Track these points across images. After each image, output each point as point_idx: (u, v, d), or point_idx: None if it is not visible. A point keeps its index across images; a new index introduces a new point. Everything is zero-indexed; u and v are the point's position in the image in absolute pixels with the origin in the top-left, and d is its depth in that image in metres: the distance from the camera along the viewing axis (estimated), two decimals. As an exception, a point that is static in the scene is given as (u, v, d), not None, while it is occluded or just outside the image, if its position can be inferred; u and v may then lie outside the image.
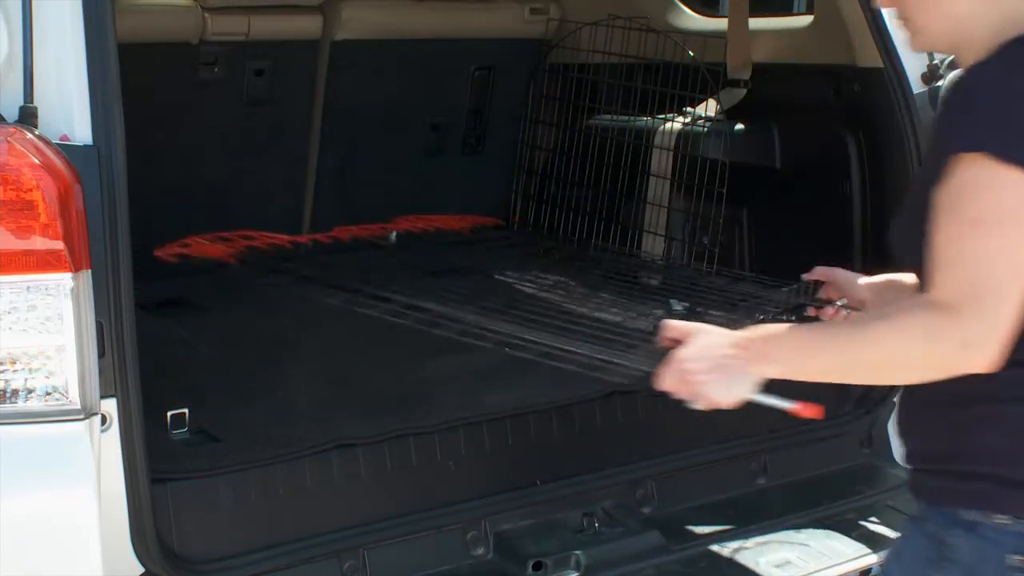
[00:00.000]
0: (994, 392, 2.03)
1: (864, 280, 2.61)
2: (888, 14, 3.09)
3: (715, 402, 2.13)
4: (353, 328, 3.68)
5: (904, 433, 2.21)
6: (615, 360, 2.70)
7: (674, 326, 2.19)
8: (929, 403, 2.11)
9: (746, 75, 4.18)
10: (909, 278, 2.41)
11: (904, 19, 2.13)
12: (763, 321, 3.10)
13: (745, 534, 3.10)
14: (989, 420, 2.06)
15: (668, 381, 2.15)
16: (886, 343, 1.99)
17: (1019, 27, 2.02)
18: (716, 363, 2.10)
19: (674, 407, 3.13)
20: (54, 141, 2.27)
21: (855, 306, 2.61)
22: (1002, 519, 2.04)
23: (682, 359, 2.13)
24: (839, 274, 2.69)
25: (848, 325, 2.15)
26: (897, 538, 2.24)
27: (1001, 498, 2.05)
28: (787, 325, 2.13)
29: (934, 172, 1.98)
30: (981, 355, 1.94)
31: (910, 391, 2.14)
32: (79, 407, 2.26)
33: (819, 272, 2.72)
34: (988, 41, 2.02)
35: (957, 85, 2.01)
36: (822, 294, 2.71)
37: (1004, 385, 2.01)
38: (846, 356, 2.04)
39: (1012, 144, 1.91)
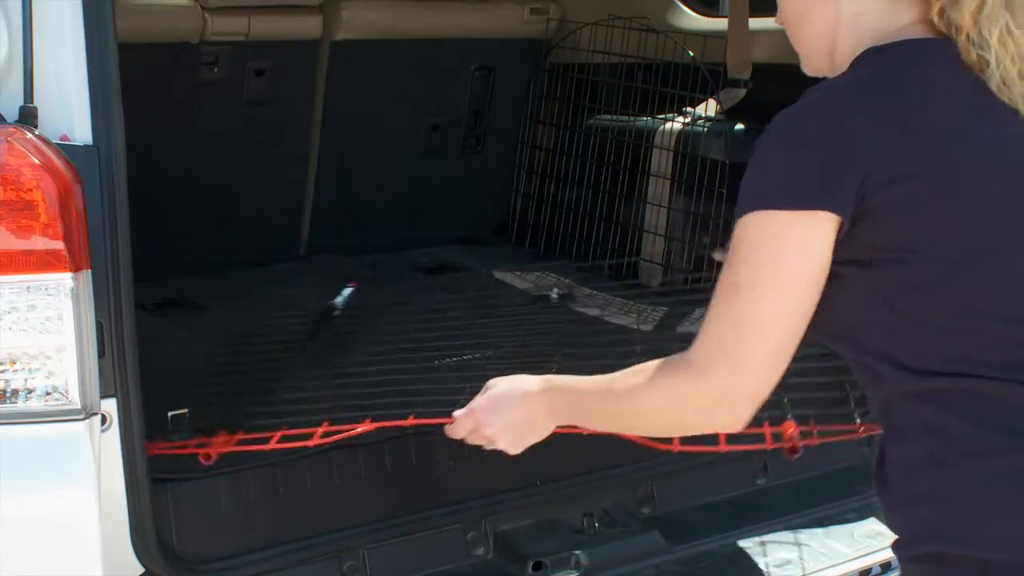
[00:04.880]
0: (937, 454, 1.82)
1: None
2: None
3: (505, 451, 2.26)
4: (354, 328, 3.68)
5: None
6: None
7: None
8: (886, 478, 1.92)
9: (746, 75, 4.18)
10: None
11: (792, 43, 2.10)
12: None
13: (745, 534, 3.10)
14: (939, 490, 1.83)
15: (460, 430, 2.28)
16: (638, 411, 1.98)
17: (883, 40, 1.92)
18: (507, 419, 2.20)
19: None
20: (54, 141, 2.27)
21: None
22: None
23: (476, 411, 2.24)
24: None
25: (615, 387, 2.00)
26: None
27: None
28: (574, 380, 2.13)
29: None
30: (728, 416, 1.87)
31: (878, 472, 1.96)
32: (79, 407, 2.26)
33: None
34: (853, 56, 1.94)
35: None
36: None
37: (948, 441, 1.80)
38: (611, 423, 2.10)
39: (771, 189, 1.81)
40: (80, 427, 2.26)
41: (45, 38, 2.29)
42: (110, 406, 2.33)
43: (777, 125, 1.84)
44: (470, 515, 2.93)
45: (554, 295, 3.90)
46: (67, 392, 2.26)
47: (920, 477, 1.84)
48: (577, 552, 2.92)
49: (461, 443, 2.34)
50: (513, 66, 4.64)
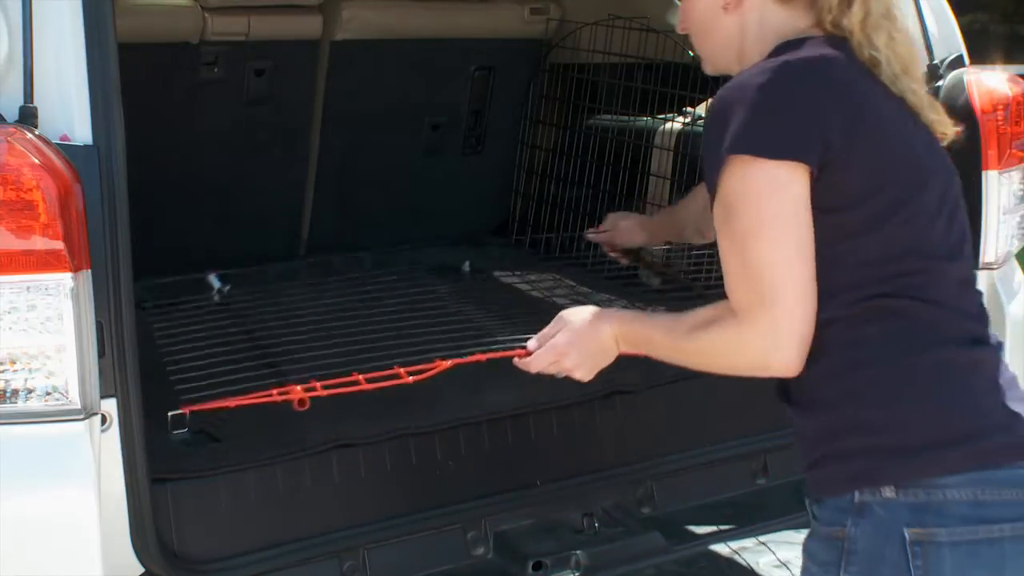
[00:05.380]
0: (850, 361, 2.07)
1: (639, 221, 3.24)
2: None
3: (581, 379, 2.39)
4: (354, 328, 3.68)
5: (795, 440, 2.23)
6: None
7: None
8: (798, 394, 2.15)
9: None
10: (691, 200, 2.99)
11: (696, 47, 2.34)
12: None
13: (745, 534, 3.10)
14: (846, 392, 2.09)
15: (538, 364, 2.40)
16: (700, 353, 2.16)
17: (789, 37, 2.17)
18: (585, 351, 2.34)
19: (674, 407, 3.16)
20: (54, 141, 2.27)
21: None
22: (888, 492, 2.03)
23: (556, 346, 2.37)
24: (622, 223, 3.26)
25: (679, 328, 2.20)
26: (803, 554, 2.20)
27: (880, 470, 2.04)
28: (640, 314, 2.38)
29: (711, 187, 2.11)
30: (777, 359, 2.04)
31: (785, 393, 2.19)
32: (79, 407, 2.27)
33: (607, 222, 3.27)
34: (763, 56, 2.16)
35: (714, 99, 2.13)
36: (604, 245, 3.26)
37: (858, 351, 2.07)
38: (676, 359, 2.23)
39: (760, 135, 2.01)
40: (80, 427, 2.26)
41: (45, 38, 2.29)
42: (110, 406, 2.34)
43: (744, 89, 2.05)
44: (470, 515, 2.93)
45: (465, 267, 3.89)
46: (67, 392, 2.26)
47: (841, 381, 2.07)
48: (577, 552, 2.92)
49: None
50: (513, 66, 4.63)
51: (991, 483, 2.01)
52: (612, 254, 3.34)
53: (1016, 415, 2.07)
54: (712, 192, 2.10)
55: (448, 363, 2.61)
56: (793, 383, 2.13)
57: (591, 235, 3.34)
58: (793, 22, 2.18)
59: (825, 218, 2.03)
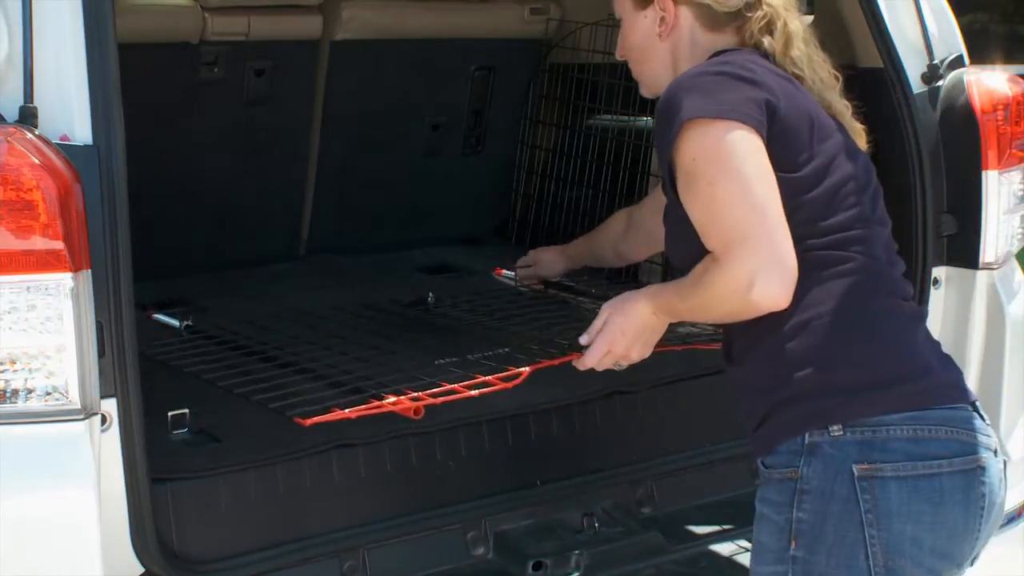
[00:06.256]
0: (793, 308, 2.21)
1: (559, 251, 3.51)
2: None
3: (638, 359, 2.51)
4: (354, 328, 3.68)
5: (739, 402, 2.36)
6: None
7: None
8: (740, 350, 2.31)
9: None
10: (608, 225, 3.32)
11: (634, 72, 2.55)
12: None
13: (745, 534, 3.09)
14: (795, 335, 2.23)
15: (592, 359, 2.51)
16: (704, 306, 2.30)
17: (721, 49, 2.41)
18: (632, 334, 2.45)
19: (674, 407, 3.16)
20: (54, 141, 2.27)
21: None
22: (836, 431, 2.18)
23: (606, 341, 2.48)
24: (543, 256, 3.56)
25: (684, 288, 2.35)
26: (757, 503, 2.33)
27: (828, 409, 2.19)
28: (663, 285, 2.50)
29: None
30: (765, 294, 2.16)
31: (729, 354, 2.35)
32: (79, 407, 2.27)
33: (529, 257, 3.58)
34: None
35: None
36: (519, 275, 3.58)
37: (801, 299, 2.21)
38: (696, 317, 2.47)
39: (710, 104, 2.20)
40: (80, 427, 2.26)
41: (45, 38, 2.29)
42: (110, 406, 2.33)
43: (688, 79, 2.27)
44: (470, 515, 2.93)
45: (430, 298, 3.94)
46: (67, 392, 2.26)
47: (791, 326, 2.22)
48: (577, 552, 2.92)
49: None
50: (513, 66, 4.63)
51: (927, 421, 2.19)
52: (534, 287, 3.61)
53: (947, 360, 2.34)
54: (671, 174, 2.27)
55: (529, 368, 2.80)
56: (742, 336, 2.28)
57: (507, 273, 3.69)
58: (721, 41, 2.42)
59: (777, 176, 2.21)
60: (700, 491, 3.24)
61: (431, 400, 2.75)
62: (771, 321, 2.22)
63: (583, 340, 2.53)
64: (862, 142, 2.44)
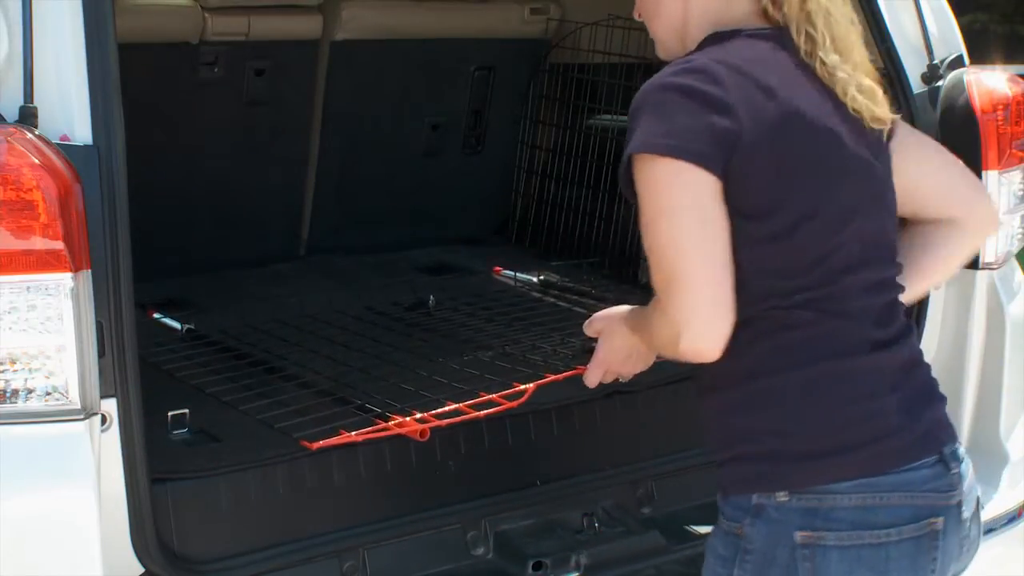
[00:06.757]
0: (751, 368, 2.12)
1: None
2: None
3: (639, 371, 2.50)
4: (354, 328, 3.68)
5: (703, 431, 2.29)
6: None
7: (592, 326, 2.52)
8: (703, 391, 2.23)
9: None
10: None
11: (649, 30, 2.42)
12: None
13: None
14: (749, 401, 2.15)
15: (594, 377, 2.51)
16: (655, 348, 2.30)
17: (725, 27, 2.22)
18: (624, 351, 2.44)
19: (674, 407, 3.15)
20: (54, 141, 2.27)
21: None
22: (782, 497, 2.10)
23: (603, 359, 2.48)
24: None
25: (642, 321, 2.31)
26: (706, 548, 2.26)
27: (777, 476, 2.11)
28: (638, 309, 2.40)
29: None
30: (692, 348, 2.07)
31: (697, 387, 2.26)
32: (79, 407, 2.26)
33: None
34: (697, 44, 2.24)
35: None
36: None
37: (759, 360, 2.12)
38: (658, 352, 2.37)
39: (660, 135, 2.06)
40: (80, 427, 2.26)
41: (45, 38, 2.29)
42: (110, 406, 2.33)
43: (649, 93, 2.11)
44: (470, 515, 2.93)
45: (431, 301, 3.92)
46: (67, 392, 2.25)
47: (739, 389, 2.14)
48: (577, 552, 2.92)
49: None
50: (513, 66, 4.64)
51: (879, 488, 2.09)
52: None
53: (911, 415, 2.14)
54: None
55: (533, 386, 2.86)
56: (703, 375, 2.20)
57: (507, 273, 3.70)
58: (734, 6, 2.24)
59: (735, 221, 2.06)
60: (700, 491, 3.23)
61: (437, 422, 2.79)
62: (725, 376, 2.14)
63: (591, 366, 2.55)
64: (885, 111, 2.22)
